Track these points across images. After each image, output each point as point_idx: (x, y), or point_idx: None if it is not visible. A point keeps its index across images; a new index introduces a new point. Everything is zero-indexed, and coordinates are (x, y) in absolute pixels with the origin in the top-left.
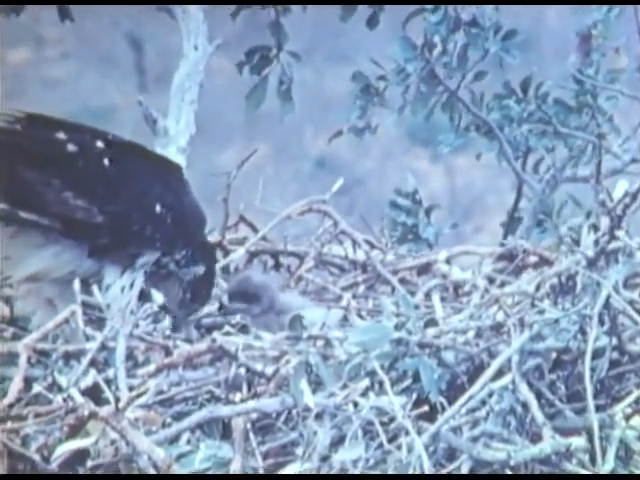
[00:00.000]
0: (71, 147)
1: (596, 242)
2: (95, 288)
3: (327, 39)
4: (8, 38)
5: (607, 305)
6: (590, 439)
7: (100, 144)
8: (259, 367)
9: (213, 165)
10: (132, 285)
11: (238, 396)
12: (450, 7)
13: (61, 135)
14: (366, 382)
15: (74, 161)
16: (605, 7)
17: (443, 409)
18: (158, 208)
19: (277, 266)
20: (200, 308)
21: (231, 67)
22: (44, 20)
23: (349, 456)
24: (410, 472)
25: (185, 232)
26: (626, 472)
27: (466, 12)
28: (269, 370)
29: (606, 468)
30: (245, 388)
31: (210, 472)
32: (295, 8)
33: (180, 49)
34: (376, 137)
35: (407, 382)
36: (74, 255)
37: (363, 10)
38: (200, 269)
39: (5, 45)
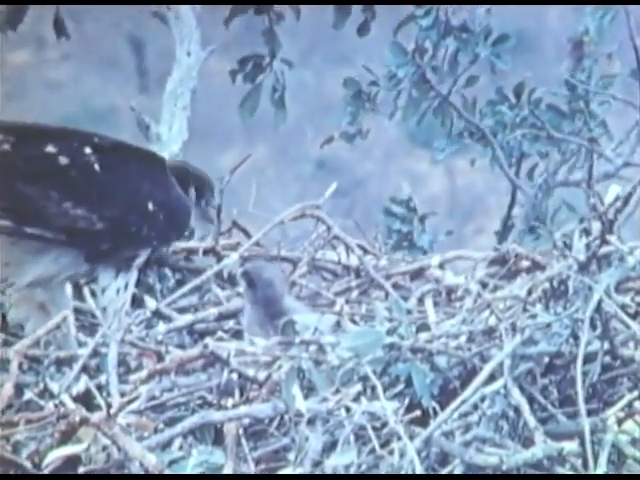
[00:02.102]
0: (63, 159)
1: (587, 246)
2: (88, 293)
3: (326, 41)
4: (9, 40)
5: (599, 309)
6: (582, 443)
7: (88, 150)
8: (251, 373)
9: (213, 168)
10: (126, 286)
11: (230, 402)
12: (441, 12)
13: (50, 148)
14: (358, 387)
15: (67, 172)
16: (598, 13)
17: (435, 414)
18: (150, 206)
19: None
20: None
21: (230, 69)
22: (45, 21)
23: (341, 461)
24: None
25: (176, 225)
26: None
27: (457, 17)
28: (261, 376)
29: (598, 473)
30: (237, 394)
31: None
32: (288, 17)
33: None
34: (377, 139)
35: (399, 387)
36: (72, 259)
37: (358, 15)
38: None
39: (6, 47)
